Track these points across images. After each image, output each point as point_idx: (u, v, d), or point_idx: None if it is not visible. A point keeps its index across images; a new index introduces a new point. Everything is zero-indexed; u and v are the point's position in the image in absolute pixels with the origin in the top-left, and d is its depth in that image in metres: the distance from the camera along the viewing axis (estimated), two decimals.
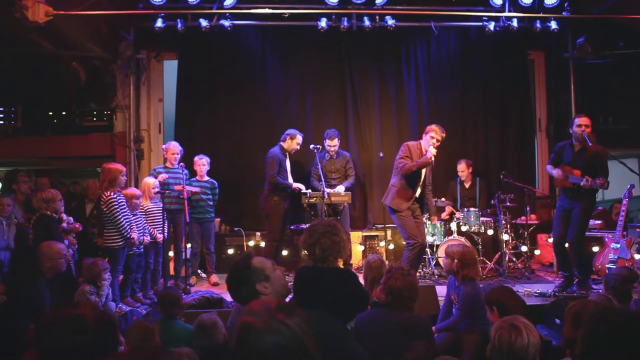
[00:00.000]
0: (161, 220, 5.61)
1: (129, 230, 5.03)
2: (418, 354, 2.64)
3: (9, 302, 3.91)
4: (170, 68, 7.76)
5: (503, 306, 3.09)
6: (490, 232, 6.63)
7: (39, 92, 7.48)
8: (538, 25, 6.83)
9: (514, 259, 6.61)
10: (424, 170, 5.56)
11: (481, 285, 4.10)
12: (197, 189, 6.19)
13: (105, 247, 5.06)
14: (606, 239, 6.05)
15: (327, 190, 6.31)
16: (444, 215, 7.07)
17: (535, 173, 7.93)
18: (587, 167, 5.24)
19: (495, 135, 7.80)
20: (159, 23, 6.64)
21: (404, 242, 5.60)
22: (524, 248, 6.67)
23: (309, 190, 6.40)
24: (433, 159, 5.43)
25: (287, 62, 7.66)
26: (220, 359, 3.04)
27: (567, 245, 5.48)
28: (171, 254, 6.27)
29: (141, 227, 5.34)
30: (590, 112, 5.56)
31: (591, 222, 6.03)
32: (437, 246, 6.62)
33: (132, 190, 5.45)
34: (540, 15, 6.86)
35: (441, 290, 4.74)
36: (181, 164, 6.12)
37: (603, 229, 6.67)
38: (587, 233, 5.70)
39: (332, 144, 6.72)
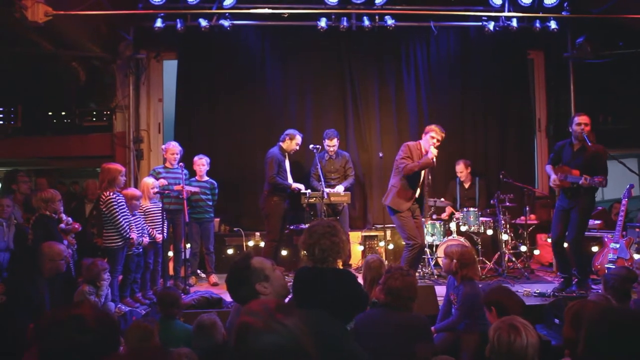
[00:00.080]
0: (160, 220, 5.60)
1: (128, 231, 5.03)
2: (426, 355, 2.64)
3: (9, 302, 3.91)
4: (170, 68, 7.75)
5: (502, 306, 3.08)
6: (489, 232, 6.63)
7: (38, 92, 7.47)
8: (538, 25, 6.81)
9: (514, 259, 6.62)
10: (423, 171, 5.57)
11: (480, 286, 4.10)
12: (196, 189, 6.19)
13: (105, 248, 5.06)
14: (605, 239, 6.06)
15: (327, 190, 6.31)
16: (444, 216, 7.07)
17: (534, 173, 7.92)
18: (587, 166, 5.23)
19: (495, 135, 7.79)
20: (159, 23, 6.63)
21: (404, 243, 5.61)
22: (523, 248, 6.67)
23: (309, 191, 6.40)
24: (435, 159, 5.43)
25: (286, 62, 7.65)
26: (219, 359, 3.04)
27: (565, 245, 5.48)
28: (170, 254, 6.27)
29: (140, 228, 5.34)
30: (589, 112, 5.55)
31: (590, 222, 6.04)
32: (437, 246, 6.62)
33: (132, 191, 5.44)
34: (540, 15, 6.85)
35: (440, 291, 4.75)
36: (181, 164, 6.12)
37: (602, 229, 6.68)
38: (586, 233, 5.71)
39: (332, 144, 6.73)
